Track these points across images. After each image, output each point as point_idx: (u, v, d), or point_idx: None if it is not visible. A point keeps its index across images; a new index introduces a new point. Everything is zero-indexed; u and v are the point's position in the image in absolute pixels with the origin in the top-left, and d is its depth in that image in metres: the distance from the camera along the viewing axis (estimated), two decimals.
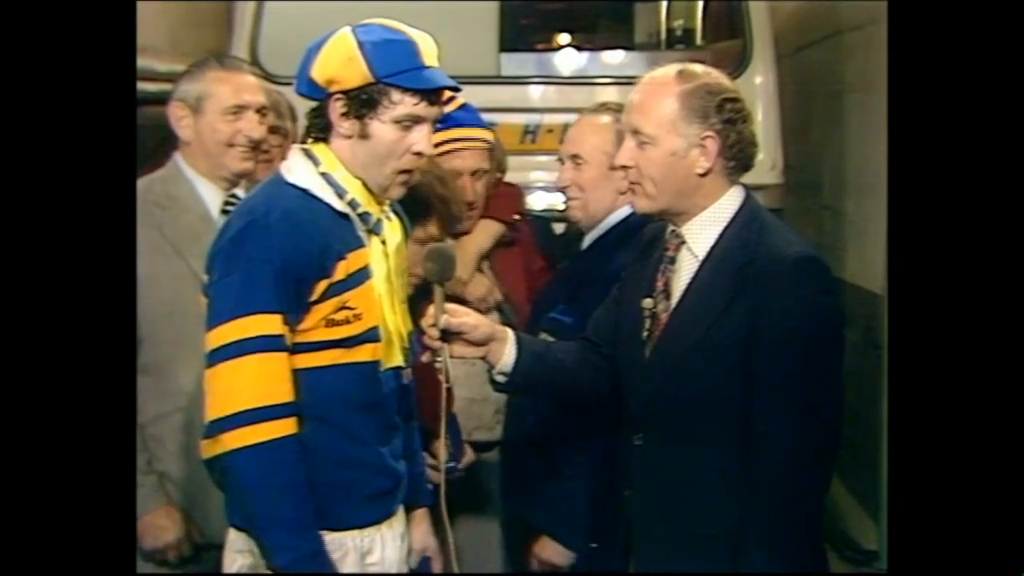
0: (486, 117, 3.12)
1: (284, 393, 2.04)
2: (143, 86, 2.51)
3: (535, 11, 6.18)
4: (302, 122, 2.30)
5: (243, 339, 2.02)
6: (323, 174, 2.13)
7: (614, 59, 5.44)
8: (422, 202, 2.54)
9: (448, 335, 2.23)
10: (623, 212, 2.72)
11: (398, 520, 2.28)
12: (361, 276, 2.12)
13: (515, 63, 4.94)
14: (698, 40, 5.77)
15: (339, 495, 2.14)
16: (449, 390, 2.28)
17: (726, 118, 2.15)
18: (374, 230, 2.17)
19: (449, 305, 2.24)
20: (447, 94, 2.17)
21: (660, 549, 2.24)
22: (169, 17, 4.45)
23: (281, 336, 2.05)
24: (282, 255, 2.04)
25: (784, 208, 4.45)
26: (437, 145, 2.45)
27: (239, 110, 2.69)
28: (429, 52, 2.11)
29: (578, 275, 2.78)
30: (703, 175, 2.17)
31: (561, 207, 2.90)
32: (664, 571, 2.21)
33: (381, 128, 2.10)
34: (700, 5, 5.80)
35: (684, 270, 2.22)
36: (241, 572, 2.15)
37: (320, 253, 2.07)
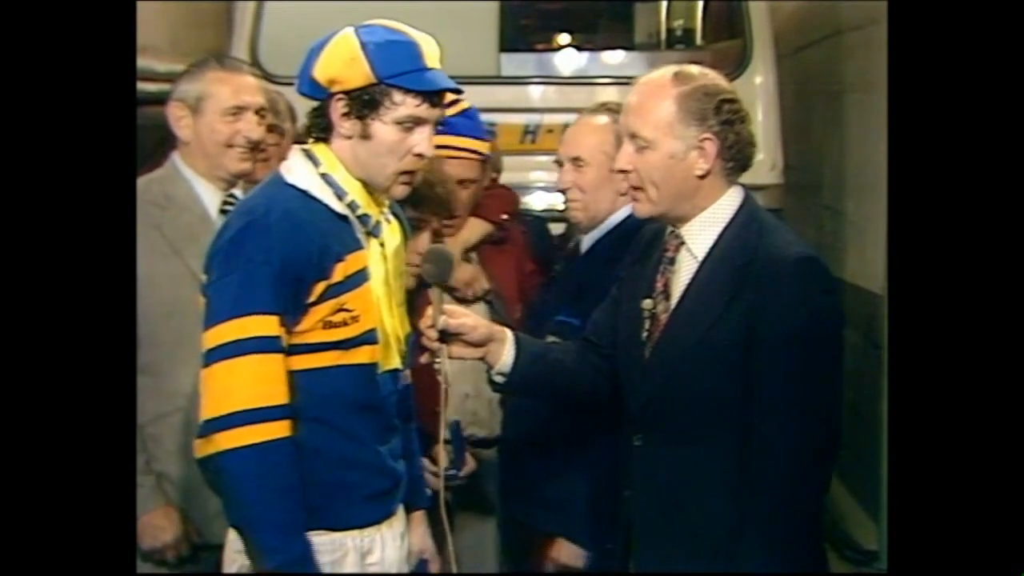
0: (486, 117, 3.12)
1: (279, 395, 2.04)
2: (143, 86, 2.51)
3: (535, 11, 6.18)
4: (302, 122, 2.30)
5: (240, 339, 2.02)
6: (323, 175, 2.13)
7: (614, 59, 5.44)
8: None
9: (446, 336, 2.23)
10: (623, 213, 2.71)
11: (398, 520, 2.28)
12: (359, 278, 2.12)
13: (515, 63, 4.94)
14: (698, 40, 5.77)
15: (339, 495, 2.14)
16: (447, 390, 2.28)
17: (724, 119, 2.15)
18: (373, 232, 2.17)
19: (447, 306, 2.25)
20: (449, 96, 2.17)
21: (660, 549, 2.24)
22: (169, 17, 4.45)
23: (278, 338, 2.05)
24: (281, 256, 2.03)
25: (784, 208, 4.45)
26: None
27: (238, 111, 2.69)
28: (431, 54, 2.11)
29: (582, 277, 2.76)
30: (702, 177, 2.17)
31: (561, 208, 2.89)
32: (664, 571, 2.21)
33: (382, 129, 2.10)
34: (700, 5, 5.80)
35: (684, 271, 2.22)
36: (241, 572, 2.14)
37: (318, 254, 2.07)
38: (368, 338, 2.14)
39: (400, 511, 2.29)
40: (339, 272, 2.09)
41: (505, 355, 2.30)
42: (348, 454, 2.15)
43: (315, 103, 2.16)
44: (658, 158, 2.17)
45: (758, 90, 4.54)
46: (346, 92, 2.09)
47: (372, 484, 2.19)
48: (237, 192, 2.75)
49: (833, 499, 4.61)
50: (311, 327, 2.09)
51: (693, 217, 2.21)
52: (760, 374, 2.09)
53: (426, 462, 2.49)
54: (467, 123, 2.91)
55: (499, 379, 2.33)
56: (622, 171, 2.21)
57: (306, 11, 4.30)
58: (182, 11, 4.66)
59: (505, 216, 3.09)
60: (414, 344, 2.31)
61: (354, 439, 2.15)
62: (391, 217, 2.25)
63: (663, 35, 6.06)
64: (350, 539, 2.16)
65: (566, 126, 2.93)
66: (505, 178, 3.52)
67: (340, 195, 2.13)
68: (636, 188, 2.21)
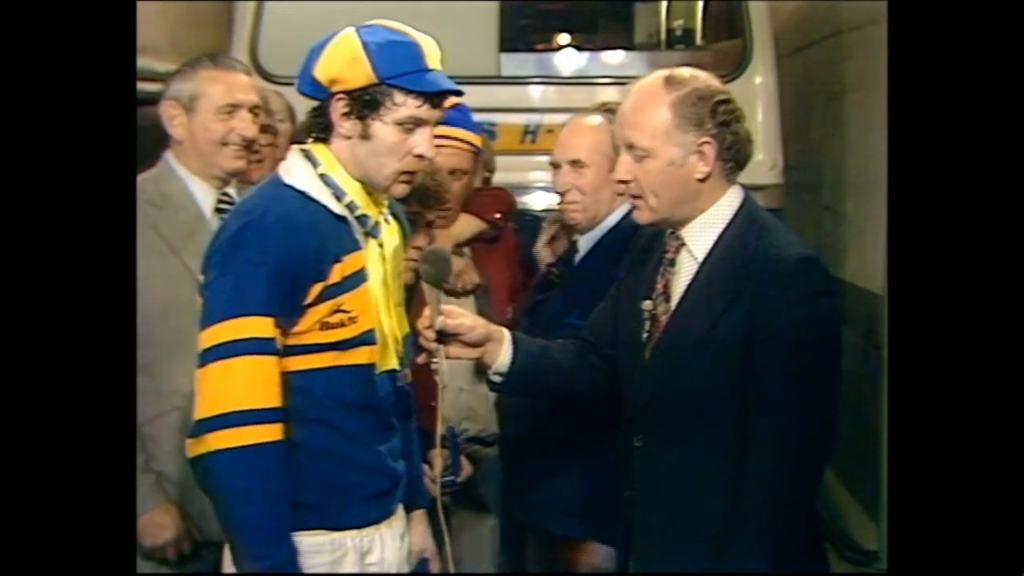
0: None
1: (271, 398, 2.04)
2: (143, 86, 2.50)
3: (535, 11, 6.17)
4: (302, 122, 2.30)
5: (234, 340, 2.01)
6: (322, 175, 2.13)
7: (614, 59, 5.44)
8: None
9: (444, 336, 2.23)
10: (620, 213, 2.71)
11: (397, 520, 2.28)
12: (357, 279, 2.12)
13: (515, 63, 4.94)
14: (698, 40, 5.76)
15: (338, 495, 2.14)
16: (444, 390, 2.28)
17: (721, 121, 2.15)
18: (372, 233, 2.17)
19: (445, 307, 2.25)
20: (450, 101, 2.17)
21: (660, 549, 2.24)
22: (169, 17, 4.45)
23: (272, 339, 2.04)
24: (277, 257, 2.03)
25: (784, 208, 4.45)
26: None
27: (232, 109, 2.69)
28: (432, 55, 2.11)
29: (585, 280, 2.75)
30: (702, 180, 2.17)
31: (561, 209, 2.88)
32: (664, 571, 2.21)
33: (383, 129, 2.10)
34: (700, 5, 5.80)
35: (684, 272, 2.22)
36: (240, 572, 2.14)
37: (315, 256, 2.07)
38: (366, 339, 2.14)
39: (400, 511, 2.29)
40: (336, 273, 2.09)
41: (503, 355, 2.30)
42: (347, 454, 2.15)
43: (314, 103, 2.16)
44: (657, 166, 2.16)
45: (758, 90, 4.54)
46: (347, 92, 2.08)
47: (371, 484, 2.18)
48: (231, 191, 2.75)
49: (833, 499, 4.62)
50: (309, 328, 2.08)
51: (693, 219, 2.21)
52: (757, 372, 2.09)
53: (424, 468, 2.49)
54: (458, 115, 2.91)
55: (496, 379, 2.33)
56: (622, 181, 2.21)
57: (306, 11, 4.30)
58: (182, 11, 4.66)
59: (498, 215, 3.10)
60: (413, 344, 2.31)
61: (353, 439, 2.15)
62: (390, 218, 2.25)
63: (663, 35, 6.05)
64: (349, 539, 2.16)
65: None
66: (505, 178, 3.52)
67: (339, 196, 2.13)
68: (636, 196, 2.21)
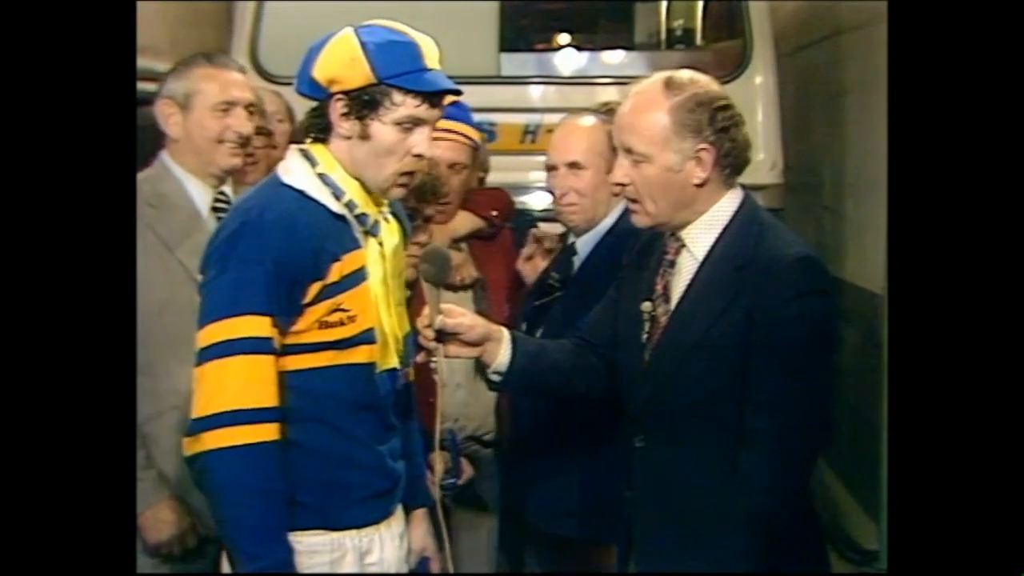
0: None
1: (268, 397, 2.03)
2: (143, 86, 2.50)
3: (535, 11, 6.16)
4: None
5: (231, 339, 2.01)
6: (320, 175, 2.13)
7: (614, 59, 5.43)
8: None
9: (443, 335, 2.23)
10: (616, 213, 2.71)
11: (397, 520, 2.28)
12: (356, 278, 2.12)
13: (515, 63, 4.94)
14: (698, 40, 5.76)
15: (337, 495, 2.14)
16: (443, 389, 2.28)
17: (719, 127, 2.14)
18: (371, 232, 2.17)
19: (444, 306, 2.24)
20: (448, 99, 2.17)
21: (660, 550, 2.24)
22: (169, 17, 4.45)
23: (270, 339, 2.04)
24: (275, 257, 2.03)
25: (784, 208, 4.45)
26: None
27: (228, 106, 2.69)
28: (431, 54, 2.11)
29: (589, 288, 2.72)
30: (700, 185, 2.17)
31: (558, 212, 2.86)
32: (664, 571, 2.21)
33: (382, 129, 2.10)
34: (700, 5, 5.79)
35: (684, 273, 2.22)
36: (239, 572, 2.14)
37: (314, 255, 2.06)
38: (365, 338, 2.13)
39: (399, 511, 2.29)
40: (335, 272, 2.09)
41: (501, 354, 2.30)
42: (346, 454, 2.15)
43: (313, 103, 2.16)
44: (655, 171, 2.16)
45: (758, 90, 4.54)
46: (346, 92, 2.08)
47: (371, 484, 2.18)
48: (227, 189, 2.75)
49: (833, 499, 4.61)
50: (308, 327, 2.08)
51: (692, 222, 2.21)
52: (753, 371, 2.10)
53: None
54: (455, 110, 2.91)
55: (495, 378, 2.34)
56: (619, 184, 2.21)
57: (306, 11, 4.30)
58: (182, 11, 4.66)
59: (495, 213, 3.10)
60: (413, 343, 2.31)
61: (352, 439, 2.15)
62: (389, 216, 2.25)
63: (663, 35, 6.05)
64: (349, 539, 2.16)
65: None
66: (505, 178, 3.51)
67: (337, 195, 2.13)
68: (633, 200, 2.21)
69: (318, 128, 2.15)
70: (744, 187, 2.25)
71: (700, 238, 2.21)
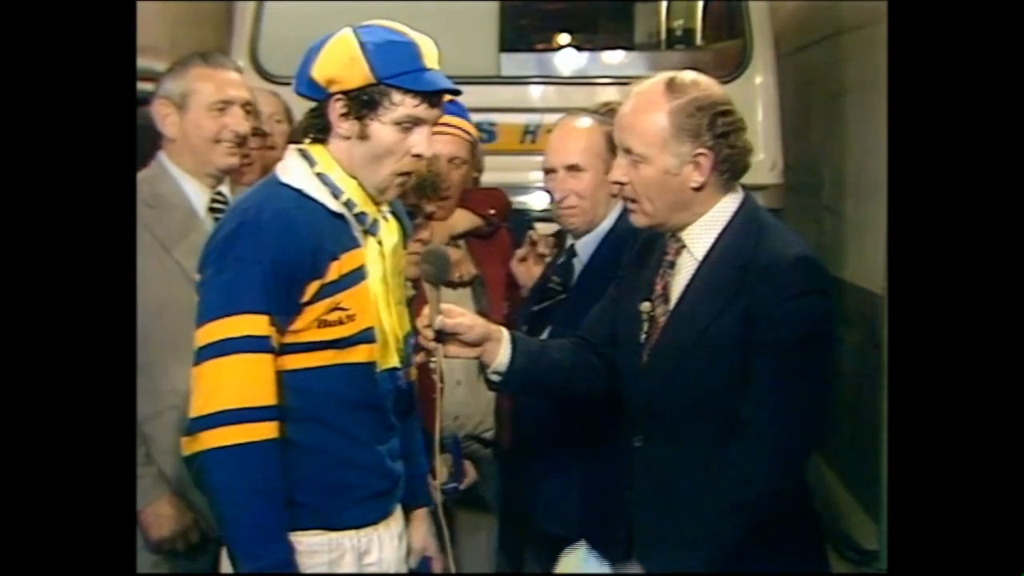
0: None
1: (266, 396, 2.03)
2: (143, 86, 2.51)
3: (535, 11, 6.16)
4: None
5: (228, 338, 2.01)
6: (319, 174, 2.13)
7: (614, 59, 5.43)
8: None
9: (443, 335, 2.23)
10: (615, 214, 2.70)
11: (395, 520, 2.28)
12: (355, 277, 2.12)
13: (515, 63, 4.94)
14: (698, 40, 5.76)
15: (336, 495, 2.14)
16: (443, 389, 2.28)
17: (719, 133, 2.14)
18: (370, 231, 2.17)
19: (444, 306, 2.24)
20: (446, 97, 2.17)
21: (660, 549, 2.24)
22: (169, 17, 4.45)
23: (267, 338, 2.04)
24: (272, 256, 2.03)
25: (784, 208, 4.45)
26: None
27: (224, 105, 2.69)
28: (430, 54, 2.11)
29: (592, 293, 2.71)
30: (697, 189, 2.17)
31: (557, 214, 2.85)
32: (664, 571, 2.21)
33: (381, 129, 2.10)
34: (700, 5, 5.79)
35: (683, 273, 2.22)
36: (238, 572, 2.14)
37: (312, 254, 2.06)
38: (365, 337, 2.13)
39: (398, 511, 2.29)
40: (334, 271, 2.08)
41: (501, 354, 2.30)
42: (345, 454, 2.14)
43: (311, 104, 2.16)
44: (652, 173, 2.16)
45: (758, 90, 4.54)
46: (345, 92, 2.08)
47: (370, 484, 2.18)
48: (224, 189, 2.75)
49: (833, 499, 4.61)
50: (306, 326, 2.08)
51: (690, 223, 2.21)
52: (749, 369, 2.10)
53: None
54: (452, 106, 2.92)
55: (495, 378, 2.33)
56: (617, 183, 2.21)
57: (306, 11, 4.30)
58: (182, 11, 4.66)
59: (492, 211, 3.10)
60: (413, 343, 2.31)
61: (352, 439, 2.15)
62: (389, 215, 2.25)
63: (663, 35, 6.05)
64: (347, 539, 2.16)
65: None
66: (505, 178, 3.51)
67: (336, 194, 2.12)
68: (632, 200, 2.21)
69: (317, 128, 2.15)
70: (744, 187, 2.25)
71: (700, 238, 2.21)
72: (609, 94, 3.68)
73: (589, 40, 6.06)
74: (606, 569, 2.32)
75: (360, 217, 2.15)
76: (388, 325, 2.20)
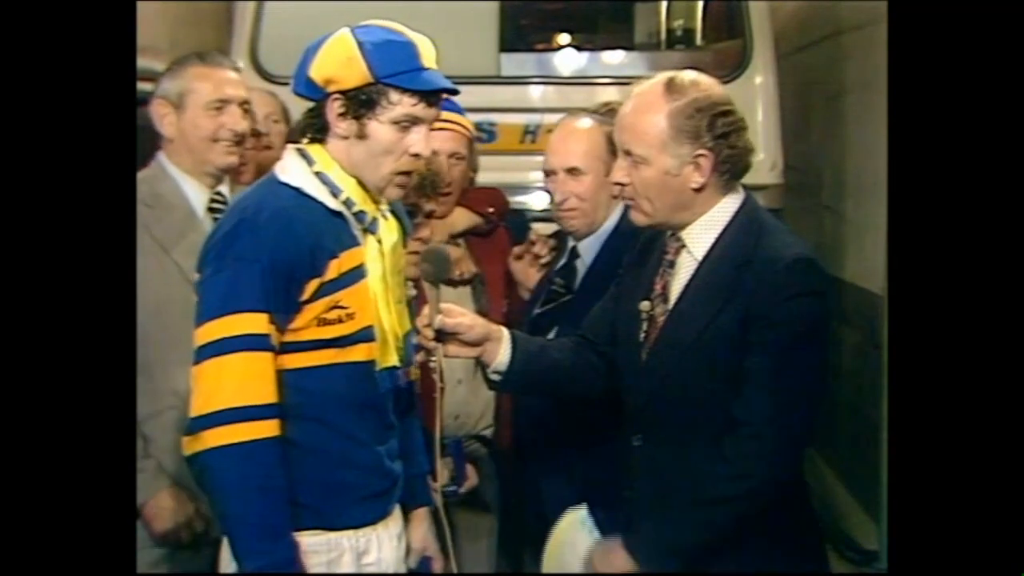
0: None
1: (266, 394, 2.03)
2: (143, 86, 2.51)
3: (535, 11, 6.16)
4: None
5: (227, 337, 2.01)
6: (317, 173, 2.13)
7: (614, 59, 5.43)
8: None
9: (443, 335, 2.23)
10: (616, 216, 2.70)
11: (394, 520, 2.28)
12: (355, 275, 2.12)
13: (515, 63, 4.93)
14: (698, 40, 5.76)
15: (335, 495, 2.14)
16: (443, 389, 2.28)
17: (719, 134, 2.14)
18: (370, 229, 2.17)
19: (444, 305, 2.24)
20: (444, 96, 2.17)
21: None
22: (169, 17, 4.45)
23: (266, 336, 2.04)
24: (271, 254, 2.03)
25: (784, 208, 4.45)
26: None
27: (222, 104, 2.70)
28: (428, 54, 2.11)
29: (600, 288, 2.70)
30: (698, 190, 2.17)
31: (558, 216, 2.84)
32: (664, 571, 2.21)
33: (379, 129, 2.10)
34: (700, 5, 5.79)
35: (683, 273, 2.23)
36: (238, 572, 2.14)
37: (311, 252, 2.06)
38: (364, 335, 2.13)
39: (397, 511, 2.29)
40: (333, 269, 2.08)
41: (501, 354, 2.30)
42: (344, 454, 2.14)
43: (310, 104, 2.16)
44: (652, 174, 2.16)
45: (758, 90, 4.54)
46: (343, 92, 2.08)
47: (369, 484, 2.18)
48: (223, 189, 2.75)
49: (833, 499, 4.61)
50: (306, 325, 2.08)
51: (691, 223, 2.21)
52: (745, 368, 2.10)
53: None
54: (450, 104, 2.92)
55: (495, 377, 2.33)
56: (618, 184, 2.21)
57: (306, 11, 4.30)
58: (182, 11, 4.66)
59: (491, 209, 3.10)
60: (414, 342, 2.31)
61: (351, 438, 2.15)
62: (388, 214, 2.25)
63: (663, 35, 6.04)
64: (346, 539, 2.16)
65: None
66: (505, 178, 3.51)
67: (335, 192, 2.12)
68: (632, 200, 2.21)
69: (315, 128, 2.15)
70: (745, 187, 2.25)
71: (700, 238, 2.21)
72: (609, 94, 3.68)
73: (589, 40, 6.06)
74: (597, 536, 2.32)
75: (359, 215, 2.15)
76: (387, 324, 2.20)
